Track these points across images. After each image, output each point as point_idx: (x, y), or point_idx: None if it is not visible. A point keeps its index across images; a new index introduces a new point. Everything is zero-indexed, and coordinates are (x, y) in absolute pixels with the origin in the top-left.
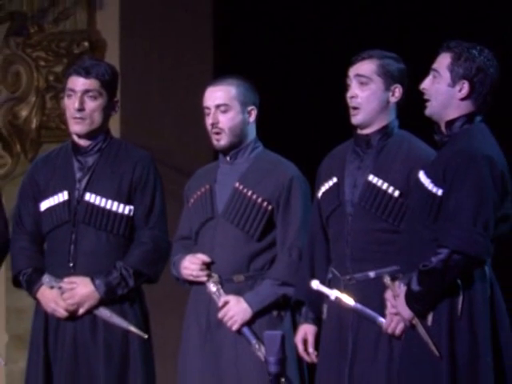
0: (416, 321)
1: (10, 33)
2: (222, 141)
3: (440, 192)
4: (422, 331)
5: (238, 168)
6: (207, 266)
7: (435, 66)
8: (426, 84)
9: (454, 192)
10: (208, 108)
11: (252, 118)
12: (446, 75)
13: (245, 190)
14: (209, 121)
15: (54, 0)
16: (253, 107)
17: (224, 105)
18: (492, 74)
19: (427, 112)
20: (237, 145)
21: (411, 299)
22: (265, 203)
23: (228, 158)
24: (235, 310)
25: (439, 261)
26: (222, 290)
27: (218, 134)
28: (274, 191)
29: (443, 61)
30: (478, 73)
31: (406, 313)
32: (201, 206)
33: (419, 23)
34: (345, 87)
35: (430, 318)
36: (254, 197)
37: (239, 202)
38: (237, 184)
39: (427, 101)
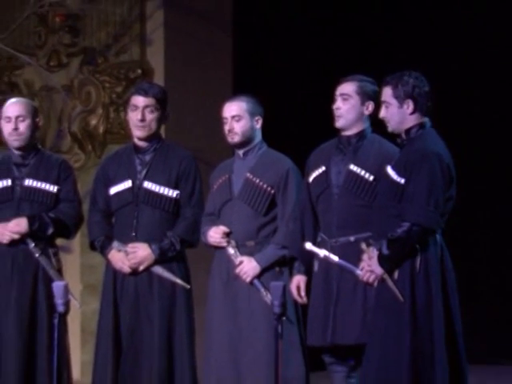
0: (386, 276)
1: (83, 63)
2: (235, 139)
3: (402, 181)
4: (390, 284)
5: (249, 162)
6: (227, 235)
7: (383, 98)
8: (382, 113)
9: (412, 180)
10: (226, 118)
11: (258, 125)
12: (393, 102)
13: (254, 179)
14: (226, 127)
15: (116, 38)
16: (259, 117)
17: (237, 116)
18: (424, 86)
19: (389, 130)
20: (246, 144)
21: (382, 260)
22: (269, 188)
23: (241, 155)
24: (248, 267)
25: (403, 231)
26: (238, 253)
27: (232, 135)
28: (276, 179)
29: (387, 93)
30: (414, 90)
31: (378, 270)
32: (222, 190)
33: (391, 53)
34: (332, 100)
35: (396, 273)
36: (261, 184)
37: (250, 188)
38: (248, 174)
39: (388, 122)
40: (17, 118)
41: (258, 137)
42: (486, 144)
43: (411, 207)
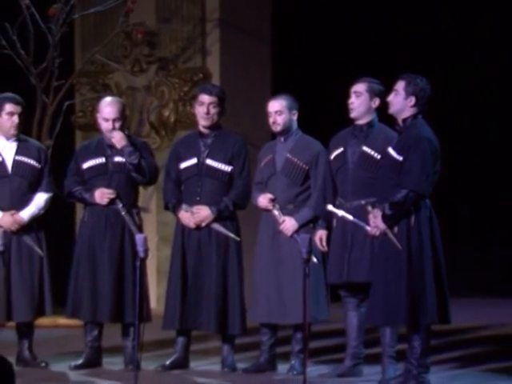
0: (388, 230)
1: (159, 69)
2: (278, 129)
3: (401, 158)
4: (391, 236)
5: (288, 145)
6: (272, 201)
7: (395, 87)
8: (390, 97)
9: (409, 158)
10: (270, 112)
11: (295, 117)
12: (402, 93)
13: (293, 158)
14: (271, 120)
15: (183, 50)
16: (295, 111)
17: (279, 110)
18: (427, 92)
19: (390, 111)
20: (286, 132)
21: (385, 218)
22: (304, 165)
23: (282, 140)
24: (289, 224)
25: (401, 196)
26: (281, 214)
27: (275, 126)
28: (309, 158)
29: (400, 84)
30: (420, 91)
31: (382, 226)
32: (267, 167)
33: (394, 59)
34: (348, 97)
35: (395, 228)
36: (298, 162)
37: (290, 165)
38: (288, 155)
39: (391, 106)
40: (114, 120)
41: (295, 126)
42: (470, 137)
43: (408, 178)
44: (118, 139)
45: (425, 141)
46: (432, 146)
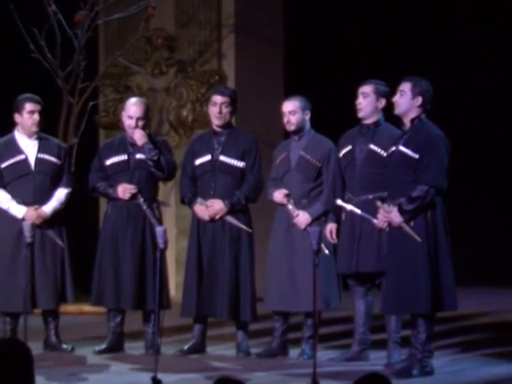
0: (403, 224)
1: (177, 71)
2: (291, 128)
3: (417, 156)
4: (407, 229)
5: (302, 143)
6: (287, 196)
7: (401, 88)
8: (396, 98)
9: (426, 155)
10: (284, 112)
11: (307, 117)
12: (409, 93)
13: (306, 156)
14: (285, 119)
15: (200, 54)
16: (308, 111)
17: (293, 111)
18: (431, 93)
19: (395, 112)
20: (300, 131)
21: (403, 212)
22: (317, 162)
23: (296, 138)
24: (302, 218)
25: (422, 191)
26: (295, 208)
27: (289, 125)
28: (321, 156)
29: (406, 86)
30: (425, 93)
31: (398, 219)
32: (282, 164)
33: (399, 63)
34: (356, 98)
35: (412, 222)
36: (311, 159)
37: (303, 162)
38: (302, 152)
39: (397, 106)
40: (137, 118)
41: (308, 125)
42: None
43: (428, 175)
44: (139, 137)
45: (440, 139)
46: (446, 144)
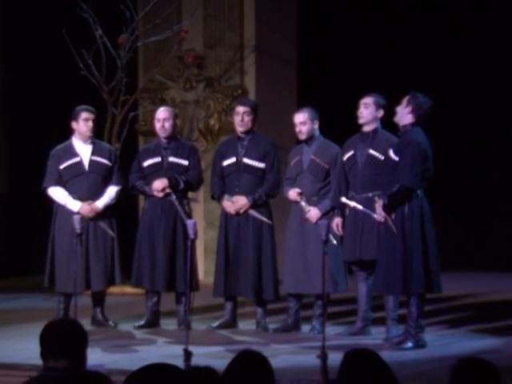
0: (386, 217)
1: (206, 86)
2: (302, 137)
3: (397, 159)
4: (389, 222)
5: (312, 148)
6: (300, 194)
7: (402, 100)
8: (397, 108)
9: (402, 159)
10: (296, 123)
11: (316, 126)
12: (404, 103)
13: (316, 159)
14: (297, 129)
15: (226, 71)
16: (316, 121)
17: (303, 122)
18: (425, 106)
19: (394, 119)
20: (310, 139)
21: (384, 207)
22: (326, 165)
23: (307, 144)
24: (313, 213)
25: (395, 189)
26: (307, 204)
27: (301, 135)
28: (330, 159)
29: (405, 98)
30: (417, 104)
31: (382, 214)
32: (296, 166)
33: (397, 79)
34: (358, 107)
35: (393, 215)
36: (320, 162)
37: (314, 165)
38: (312, 156)
39: (396, 114)
40: (164, 119)
41: (317, 132)
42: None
43: (401, 175)
44: (158, 186)
45: (415, 144)
46: (421, 149)
